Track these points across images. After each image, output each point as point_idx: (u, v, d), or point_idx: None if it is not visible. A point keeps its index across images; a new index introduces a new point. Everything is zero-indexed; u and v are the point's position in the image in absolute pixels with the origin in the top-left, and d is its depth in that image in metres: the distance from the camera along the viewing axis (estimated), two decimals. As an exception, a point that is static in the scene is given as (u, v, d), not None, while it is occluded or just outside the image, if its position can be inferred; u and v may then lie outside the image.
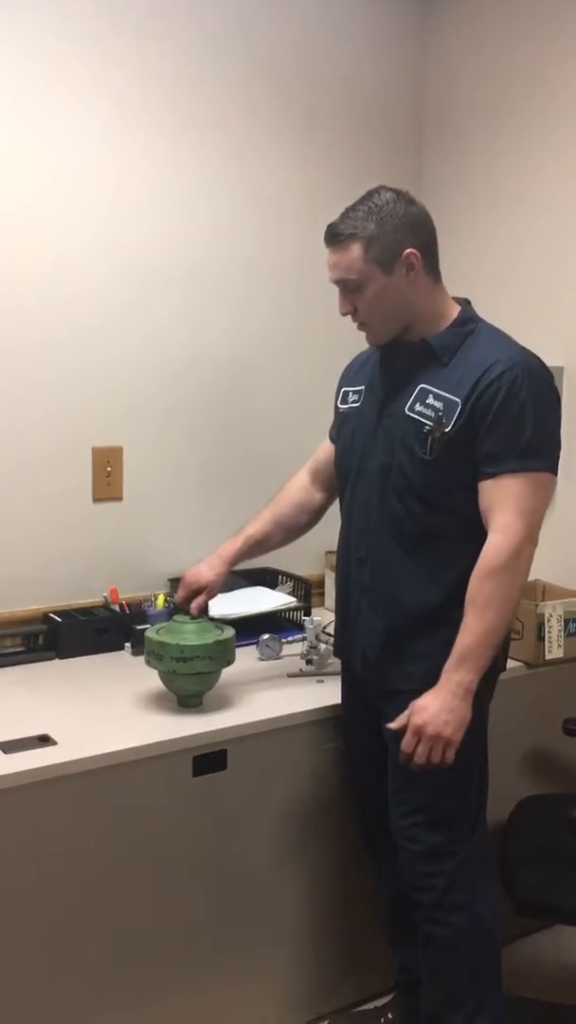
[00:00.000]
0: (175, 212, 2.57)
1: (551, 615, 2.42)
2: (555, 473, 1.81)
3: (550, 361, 2.68)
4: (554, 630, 2.43)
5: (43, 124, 2.34)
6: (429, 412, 1.82)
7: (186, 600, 2.10)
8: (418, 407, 1.84)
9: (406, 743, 1.77)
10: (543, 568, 2.66)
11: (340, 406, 2.05)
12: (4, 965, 1.78)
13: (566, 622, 2.46)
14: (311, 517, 2.19)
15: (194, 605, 2.08)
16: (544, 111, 2.67)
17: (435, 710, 1.74)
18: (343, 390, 2.06)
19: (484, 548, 1.77)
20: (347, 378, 2.08)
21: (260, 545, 2.16)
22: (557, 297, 2.65)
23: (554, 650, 2.44)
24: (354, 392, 2.01)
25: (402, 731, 1.78)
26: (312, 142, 2.79)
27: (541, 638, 2.41)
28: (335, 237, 1.83)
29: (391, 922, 2.13)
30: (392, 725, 1.80)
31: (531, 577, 2.63)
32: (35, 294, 2.38)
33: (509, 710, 1.97)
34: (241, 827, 2.04)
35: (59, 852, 1.81)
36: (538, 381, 1.79)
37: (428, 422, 1.81)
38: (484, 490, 1.79)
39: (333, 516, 2.22)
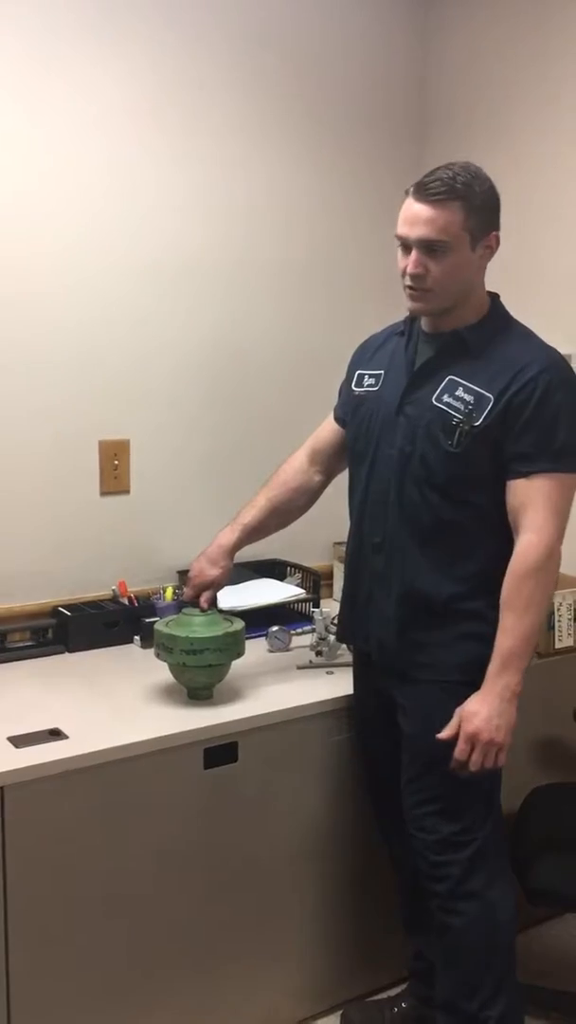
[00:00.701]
0: (182, 205, 2.56)
1: (561, 604, 2.42)
2: None
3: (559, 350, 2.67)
4: (564, 619, 2.43)
5: (46, 116, 2.33)
6: (458, 404, 1.81)
7: (194, 598, 2.10)
8: (446, 398, 1.83)
9: (460, 751, 1.76)
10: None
11: (355, 389, 2.02)
12: (15, 960, 1.78)
13: (576, 611, 2.45)
14: (308, 500, 2.18)
15: (203, 599, 2.08)
16: (546, 108, 2.65)
17: (486, 715, 1.74)
18: (358, 372, 2.03)
19: (519, 548, 1.77)
20: (362, 361, 2.05)
21: (258, 532, 2.16)
22: (559, 291, 2.64)
23: (564, 639, 2.44)
24: (371, 376, 1.99)
25: (452, 739, 1.77)
26: (314, 139, 2.77)
27: (551, 627, 2.40)
28: (439, 192, 1.74)
29: (408, 908, 2.14)
30: (442, 735, 1.79)
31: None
32: (41, 289, 2.37)
33: (520, 699, 1.95)
34: (253, 819, 2.04)
35: (70, 846, 1.81)
36: (571, 383, 1.81)
37: (457, 414, 1.80)
38: (515, 488, 1.78)
39: (342, 505, 2.22)
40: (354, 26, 2.81)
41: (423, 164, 2.95)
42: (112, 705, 2.05)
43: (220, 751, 1.97)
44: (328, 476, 2.17)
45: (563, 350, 2.63)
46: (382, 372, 1.97)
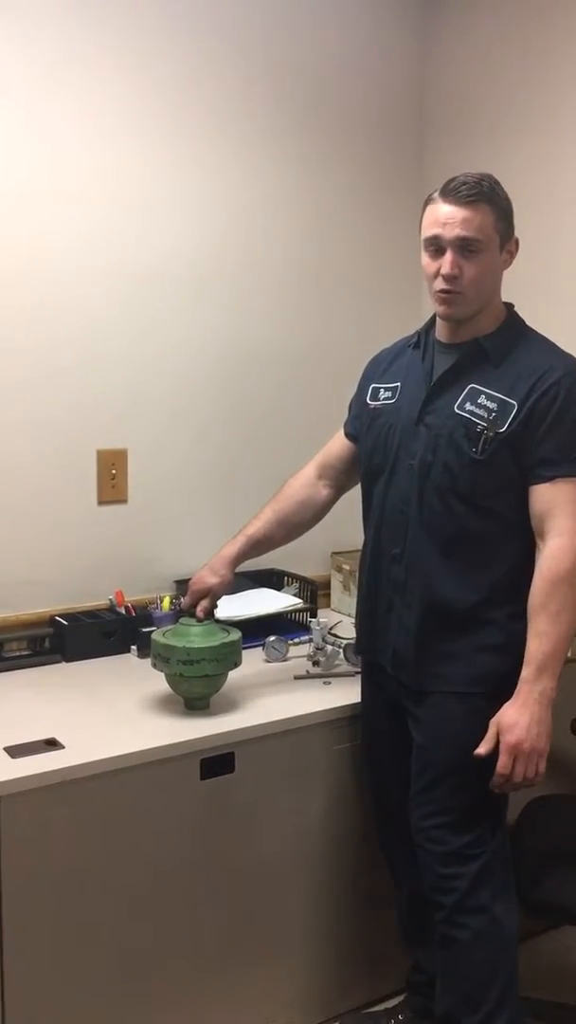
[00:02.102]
0: (181, 213, 2.57)
1: (558, 614, 2.41)
2: None
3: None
4: (561, 629, 2.41)
5: (46, 124, 2.34)
6: (482, 412, 1.81)
7: (193, 606, 2.10)
8: (468, 406, 1.83)
9: (503, 765, 1.75)
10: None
11: (370, 402, 2.02)
12: (10, 969, 1.77)
13: (573, 621, 2.44)
14: (315, 514, 2.18)
15: (200, 608, 2.08)
16: (545, 111, 2.66)
17: (526, 724, 1.74)
18: (372, 386, 2.03)
19: (548, 552, 1.77)
20: (376, 374, 2.05)
21: (262, 544, 2.16)
22: (555, 295, 2.64)
23: (561, 649, 2.42)
24: (387, 389, 1.99)
25: (493, 753, 1.76)
26: (313, 143, 2.79)
27: (548, 638, 2.39)
28: (472, 195, 1.78)
29: (407, 921, 2.13)
30: (481, 750, 1.77)
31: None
32: (39, 297, 2.38)
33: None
34: (250, 829, 2.04)
35: (66, 856, 1.81)
36: None
37: (481, 422, 1.81)
38: (539, 493, 1.79)
39: (339, 516, 2.22)
40: (354, 32, 2.83)
41: (424, 169, 2.99)
42: (109, 715, 2.04)
43: (217, 761, 1.96)
44: (337, 491, 2.17)
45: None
46: (398, 384, 1.97)
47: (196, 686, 2.03)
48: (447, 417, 1.85)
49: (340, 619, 2.70)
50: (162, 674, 2.04)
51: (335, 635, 2.52)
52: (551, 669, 1.75)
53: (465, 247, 1.79)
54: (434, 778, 1.88)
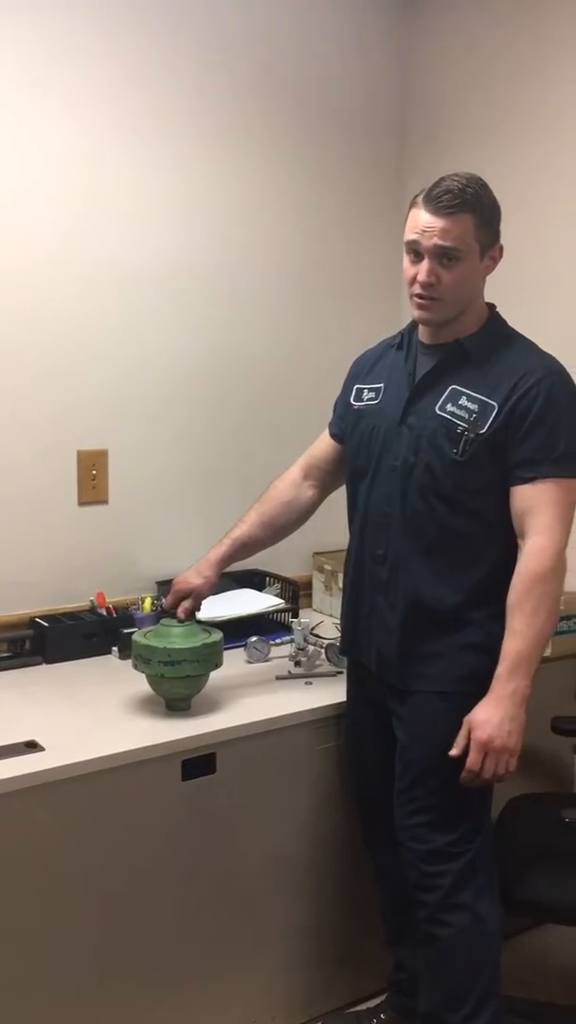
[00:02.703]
0: (161, 215, 2.56)
1: (539, 614, 2.42)
2: None
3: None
4: (542, 629, 2.43)
5: (25, 124, 2.33)
6: (463, 413, 1.82)
7: (174, 605, 2.09)
8: (450, 407, 1.84)
9: (472, 761, 1.76)
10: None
11: (354, 403, 2.02)
12: (-7, 973, 1.77)
13: (554, 621, 2.46)
14: (301, 515, 2.18)
15: (181, 608, 2.07)
16: (527, 119, 2.67)
17: (497, 721, 1.74)
18: (356, 387, 2.04)
19: (528, 551, 1.77)
20: (360, 375, 2.06)
21: (248, 547, 2.15)
22: (544, 305, 2.65)
23: (542, 649, 2.44)
24: (370, 390, 1.99)
25: (464, 752, 1.77)
26: (294, 145, 2.79)
27: (529, 637, 2.40)
28: (451, 203, 1.77)
29: (390, 920, 2.14)
30: (454, 752, 1.78)
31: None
32: (19, 298, 2.37)
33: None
34: (231, 830, 2.04)
35: (47, 859, 1.80)
36: (571, 389, 1.83)
37: (462, 423, 1.81)
38: (520, 494, 1.79)
39: (321, 517, 2.22)
40: (335, 36, 2.83)
41: (403, 172, 2.99)
42: (89, 717, 2.04)
43: (198, 762, 1.96)
44: (322, 492, 2.17)
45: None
46: (381, 385, 1.97)
47: (177, 687, 2.02)
48: (429, 418, 1.85)
49: (322, 619, 2.70)
50: (143, 675, 2.04)
51: (317, 635, 2.52)
52: (525, 668, 1.75)
53: (443, 255, 1.79)
54: (417, 777, 1.88)
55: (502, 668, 1.76)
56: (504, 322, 1.94)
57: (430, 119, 2.95)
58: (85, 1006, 1.88)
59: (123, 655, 2.36)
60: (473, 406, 1.81)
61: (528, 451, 1.78)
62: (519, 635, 1.75)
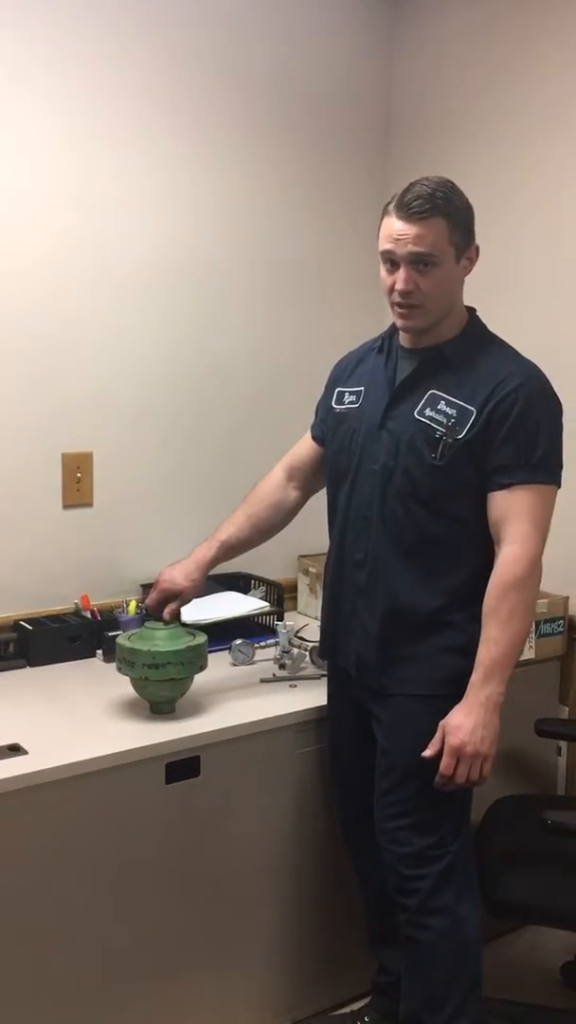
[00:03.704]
0: (145, 218, 2.56)
1: (522, 617, 2.43)
2: (559, 486, 1.84)
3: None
4: (525, 631, 2.44)
5: (8, 127, 2.32)
6: (441, 418, 1.82)
7: (157, 603, 2.09)
8: (428, 412, 1.84)
9: (445, 766, 1.76)
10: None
11: (335, 406, 2.02)
12: (-24, 978, 1.76)
13: (537, 623, 2.47)
14: (286, 516, 2.18)
15: (167, 610, 2.07)
16: (513, 114, 2.69)
17: (470, 727, 1.74)
18: (337, 390, 2.04)
19: (502, 558, 1.78)
20: (341, 379, 2.06)
21: (234, 549, 2.16)
22: (529, 304, 2.67)
23: (526, 651, 2.45)
24: (351, 393, 2.00)
25: (436, 756, 1.78)
26: (282, 150, 2.79)
27: (513, 640, 2.41)
28: (422, 209, 1.76)
29: (373, 923, 2.14)
30: (427, 753, 1.78)
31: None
32: (4, 302, 2.36)
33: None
34: (215, 833, 2.03)
35: (31, 863, 1.79)
36: (549, 396, 1.83)
37: (440, 428, 1.82)
38: (496, 500, 1.80)
39: (306, 519, 2.22)
40: (322, 34, 2.84)
41: (388, 172, 3.01)
42: (73, 720, 2.03)
43: (182, 766, 1.96)
44: (306, 493, 2.18)
45: (532, 359, 2.67)
46: (362, 389, 1.98)
47: (161, 690, 2.02)
48: (408, 423, 1.86)
49: (307, 622, 2.70)
50: (128, 678, 2.03)
51: (301, 638, 2.52)
52: (499, 674, 1.76)
53: (419, 262, 1.79)
54: (397, 780, 1.89)
55: (476, 675, 1.77)
56: (484, 326, 1.94)
57: (416, 116, 2.96)
58: (66, 1007, 1.87)
59: (107, 658, 2.35)
60: (451, 411, 1.82)
61: (505, 457, 1.79)
62: (493, 643, 1.76)
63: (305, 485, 2.17)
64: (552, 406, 1.83)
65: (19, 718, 2.02)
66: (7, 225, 2.34)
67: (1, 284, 2.35)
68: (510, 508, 1.78)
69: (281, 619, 2.58)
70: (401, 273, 1.80)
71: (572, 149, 2.55)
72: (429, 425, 1.83)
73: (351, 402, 1.98)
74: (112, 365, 2.55)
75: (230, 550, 2.15)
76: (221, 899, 2.06)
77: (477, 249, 1.86)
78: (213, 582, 2.62)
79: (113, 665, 2.11)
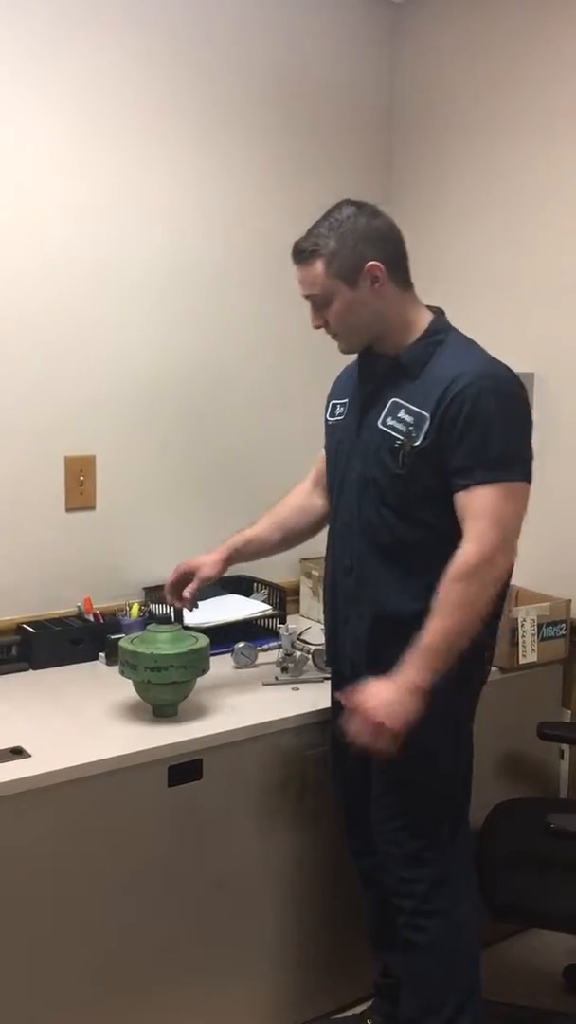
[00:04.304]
0: (146, 222, 2.57)
1: (524, 620, 2.44)
2: (529, 481, 1.81)
3: (521, 367, 2.70)
4: (527, 635, 2.44)
5: (9, 131, 2.33)
6: (400, 426, 1.84)
7: (173, 586, 2.11)
8: (390, 420, 1.86)
9: (348, 720, 1.77)
10: (516, 573, 2.68)
11: (328, 419, 2.07)
12: (-22, 980, 1.76)
13: (539, 626, 2.47)
14: (312, 521, 2.19)
15: (186, 590, 2.09)
16: (513, 120, 2.69)
17: (384, 698, 1.73)
18: (331, 403, 2.08)
19: (455, 556, 1.77)
20: (335, 391, 2.10)
21: (256, 544, 2.17)
22: (526, 304, 2.68)
23: (528, 655, 2.45)
24: (340, 405, 2.03)
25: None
26: (285, 153, 2.80)
27: (515, 643, 2.42)
28: (299, 254, 1.87)
29: (375, 925, 2.14)
30: (340, 697, 1.80)
31: (504, 582, 2.65)
32: (5, 304, 2.37)
33: (484, 715, 1.98)
34: (218, 837, 2.04)
35: (33, 865, 1.80)
36: (504, 392, 1.80)
37: (399, 436, 1.83)
38: (458, 501, 1.80)
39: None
40: (324, 39, 2.85)
41: (391, 173, 3.01)
42: (76, 723, 2.04)
43: (184, 768, 1.96)
44: (330, 503, 2.18)
45: (526, 366, 2.68)
46: (347, 400, 2.01)
47: (164, 693, 2.02)
48: (374, 432, 1.88)
49: (309, 625, 2.71)
50: (130, 681, 2.04)
51: (304, 641, 2.52)
52: (425, 662, 1.73)
53: (314, 302, 1.88)
54: (391, 782, 1.90)
55: (408, 657, 1.74)
56: (446, 328, 1.91)
57: (417, 118, 2.97)
58: (69, 1011, 1.87)
59: (110, 661, 2.36)
60: (410, 418, 1.83)
61: (459, 459, 1.78)
62: (429, 631, 1.74)
63: (329, 496, 2.18)
64: (507, 403, 1.80)
65: (22, 721, 2.03)
66: (10, 229, 2.35)
67: (5, 288, 2.36)
68: (468, 508, 1.78)
69: (283, 622, 2.58)
70: (310, 311, 1.91)
71: (573, 150, 2.56)
72: (390, 434, 1.85)
73: (340, 415, 2.02)
74: (115, 368, 2.56)
75: (254, 545, 2.17)
76: (223, 902, 2.06)
77: (376, 266, 1.82)
78: (216, 585, 2.62)
79: (116, 668, 2.11)
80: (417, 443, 1.80)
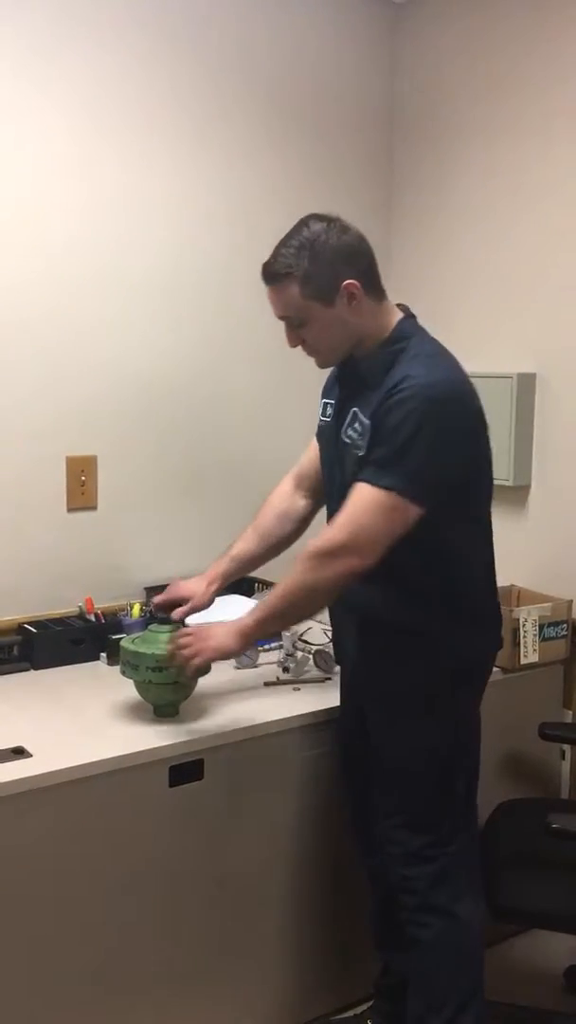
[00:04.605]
0: (148, 223, 2.57)
1: (526, 620, 2.43)
2: (413, 500, 1.72)
3: (522, 367, 2.72)
4: (529, 635, 2.44)
5: (9, 130, 2.33)
6: (355, 435, 1.84)
7: (164, 603, 2.10)
8: (349, 431, 1.86)
9: (178, 636, 1.91)
10: (517, 574, 2.69)
11: (321, 418, 2.04)
12: (-21, 980, 1.76)
13: (541, 627, 2.47)
14: (296, 526, 2.17)
15: (176, 612, 2.08)
16: (512, 121, 2.70)
17: (211, 627, 1.89)
18: (323, 401, 2.05)
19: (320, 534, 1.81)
20: (325, 390, 2.08)
21: (246, 562, 2.16)
22: (527, 305, 2.67)
23: (529, 655, 2.45)
24: (329, 405, 2.01)
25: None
26: (286, 153, 2.80)
27: (516, 643, 2.42)
28: (272, 277, 1.81)
29: (379, 923, 2.14)
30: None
31: (506, 582, 2.67)
32: (7, 305, 2.37)
33: (486, 715, 1.98)
34: (219, 837, 2.03)
35: (34, 865, 1.80)
36: (437, 407, 1.72)
37: (353, 445, 1.83)
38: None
39: (311, 524, 2.22)
40: (325, 40, 2.85)
41: (392, 173, 3.01)
42: (77, 723, 2.04)
43: (186, 768, 1.96)
44: (315, 500, 2.16)
45: (527, 366, 2.68)
46: (333, 401, 2.00)
47: (165, 693, 2.02)
48: (341, 443, 1.89)
49: (310, 625, 2.70)
50: (131, 681, 2.03)
51: (305, 641, 2.52)
52: (260, 615, 1.84)
53: (290, 323, 1.84)
54: (388, 779, 1.92)
55: (251, 608, 1.88)
56: (407, 335, 1.84)
57: (418, 118, 2.97)
58: (70, 1011, 1.87)
59: (111, 661, 2.36)
60: (361, 428, 1.82)
61: (371, 454, 1.76)
62: (273, 591, 1.85)
63: (314, 492, 2.16)
64: (436, 417, 1.71)
65: (23, 721, 2.03)
66: (10, 235, 2.35)
67: (8, 291, 2.36)
68: (348, 498, 1.77)
69: (320, 612, 2.57)
70: (285, 330, 1.86)
71: (572, 150, 2.56)
72: (348, 443, 1.85)
73: (329, 415, 2.00)
74: (116, 369, 2.56)
75: (242, 564, 2.15)
76: (224, 903, 2.06)
77: (353, 284, 1.78)
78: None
79: (117, 668, 2.11)
80: (362, 452, 1.80)
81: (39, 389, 2.44)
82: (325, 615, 2.10)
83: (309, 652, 2.42)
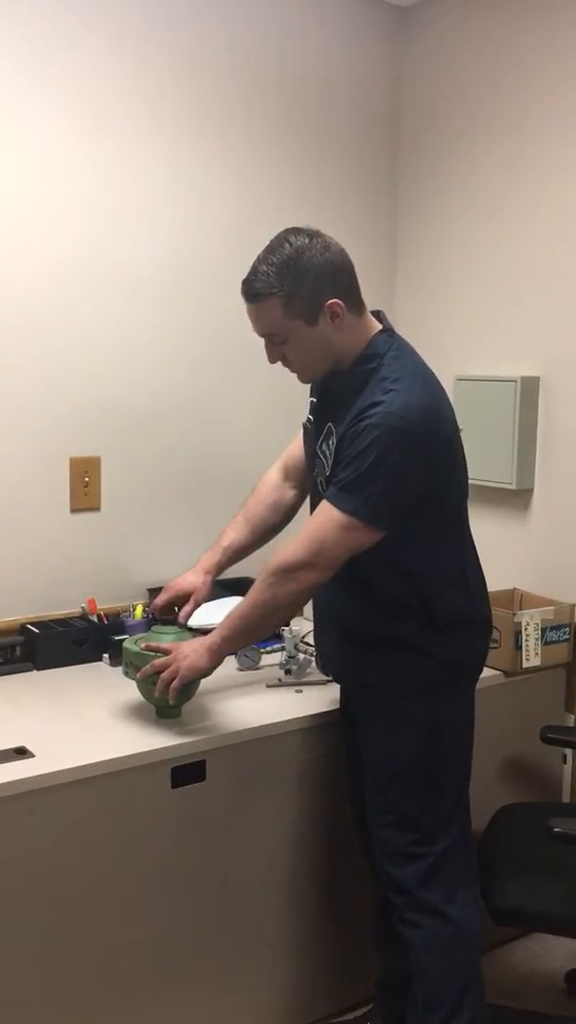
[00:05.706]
0: (153, 225, 2.58)
1: (528, 624, 2.43)
2: (370, 525, 1.73)
3: (526, 371, 2.73)
4: (531, 638, 2.44)
5: (18, 136, 2.34)
6: (327, 451, 1.84)
7: (164, 605, 2.10)
8: (323, 446, 1.87)
9: (156, 660, 1.93)
10: (520, 577, 2.69)
11: (307, 416, 2.01)
12: (-20, 980, 1.76)
13: (543, 630, 2.47)
14: (284, 516, 2.18)
15: (182, 612, 2.08)
16: (517, 122, 2.70)
17: (186, 647, 1.92)
18: (311, 399, 2.03)
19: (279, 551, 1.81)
20: (312, 387, 2.04)
21: (238, 552, 2.17)
22: (532, 308, 2.68)
23: (531, 658, 2.45)
24: (314, 405, 2.01)
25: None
26: (292, 154, 2.81)
27: (518, 647, 2.42)
28: (254, 296, 1.76)
29: (380, 922, 2.14)
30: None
31: (508, 586, 2.67)
32: (12, 306, 2.37)
33: (487, 718, 1.98)
34: (220, 838, 2.04)
35: (36, 866, 1.80)
36: (401, 437, 1.69)
37: (327, 462, 1.84)
38: None
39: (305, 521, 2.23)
40: (329, 41, 2.85)
41: (396, 175, 3.02)
42: (80, 723, 2.04)
43: (187, 770, 1.96)
44: (303, 491, 2.17)
45: (532, 370, 2.68)
46: (317, 402, 1.99)
47: (167, 694, 2.02)
48: (317, 455, 1.89)
49: (312, 627, 2.70)
50: (134, 682, 2.04)
51: (307, 643, 2.52)
52: (225, 631, 1.87)
53: (271, 340, 1.81)
54: (376, 779, 1.93)
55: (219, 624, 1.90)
56: (381, 352, 1.81)
57: (422, 121, 2.98)
58: (70, 1012, 1.87)
59: (114, 662, 2.36)
60: (332, 445, 1.82)
61: (335, 476, 1.77)
62: (238, 607, 1.87)
63: (300, 484, 2.17)
64: (400, 447, 1.69)
65: (25, 721, 2.03)
66: (17, 234, 2.36)
67: (13, 293, 2.36)
68: (313, 515, 1.80)
69: (287, 624, 2.58)
70: (265, 347, 1.83)
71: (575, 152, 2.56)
72: (323, 459, 1.86)
73: (312, 413, 1.98)
74: (120, 371, 2.56)
75: (233, 554, 2.16)
76: (225, 904, 2.06)
77: (336, 303, 1.76)
78: (219, 587, 2.62)
79: (119, 669, 2.11)
80: (328, 472, 1.81)
81: (43, 390, 2.44)
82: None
83: (311, 654, 2.41)
